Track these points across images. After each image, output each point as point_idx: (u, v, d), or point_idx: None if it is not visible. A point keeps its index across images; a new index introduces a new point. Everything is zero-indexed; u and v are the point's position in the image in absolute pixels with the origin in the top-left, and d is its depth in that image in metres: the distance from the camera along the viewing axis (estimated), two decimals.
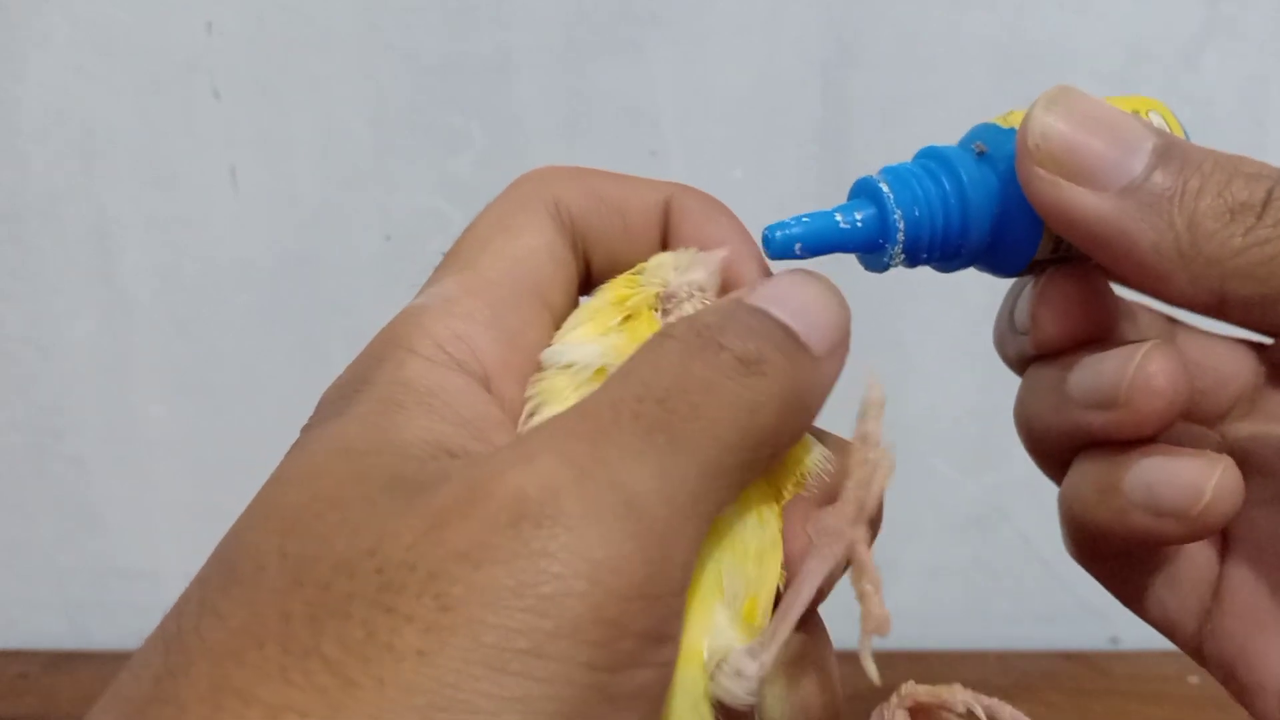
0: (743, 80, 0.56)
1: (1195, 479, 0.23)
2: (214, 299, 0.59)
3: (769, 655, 0.20)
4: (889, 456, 0.21)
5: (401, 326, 0.21)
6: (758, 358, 0.19)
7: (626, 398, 0.18)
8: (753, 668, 0.20)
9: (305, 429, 0.20)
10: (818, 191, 0.56)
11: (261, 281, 0.58)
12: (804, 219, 0.23)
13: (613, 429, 0.18)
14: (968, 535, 0.61)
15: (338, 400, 0.20)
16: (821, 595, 0.22)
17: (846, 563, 0.22)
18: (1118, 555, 0.26)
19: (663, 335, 0.20)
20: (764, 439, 0.19)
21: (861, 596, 0.21)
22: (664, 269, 0.24)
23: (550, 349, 0.23)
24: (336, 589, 0.16)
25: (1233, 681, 0.25)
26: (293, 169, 0.57)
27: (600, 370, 0.22)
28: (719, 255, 0.23)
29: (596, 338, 0.23)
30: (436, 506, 0.17)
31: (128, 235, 0.58)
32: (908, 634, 0.61)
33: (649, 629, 0.17)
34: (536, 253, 0.23)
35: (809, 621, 0.22)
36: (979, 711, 0.22)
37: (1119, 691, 0.55)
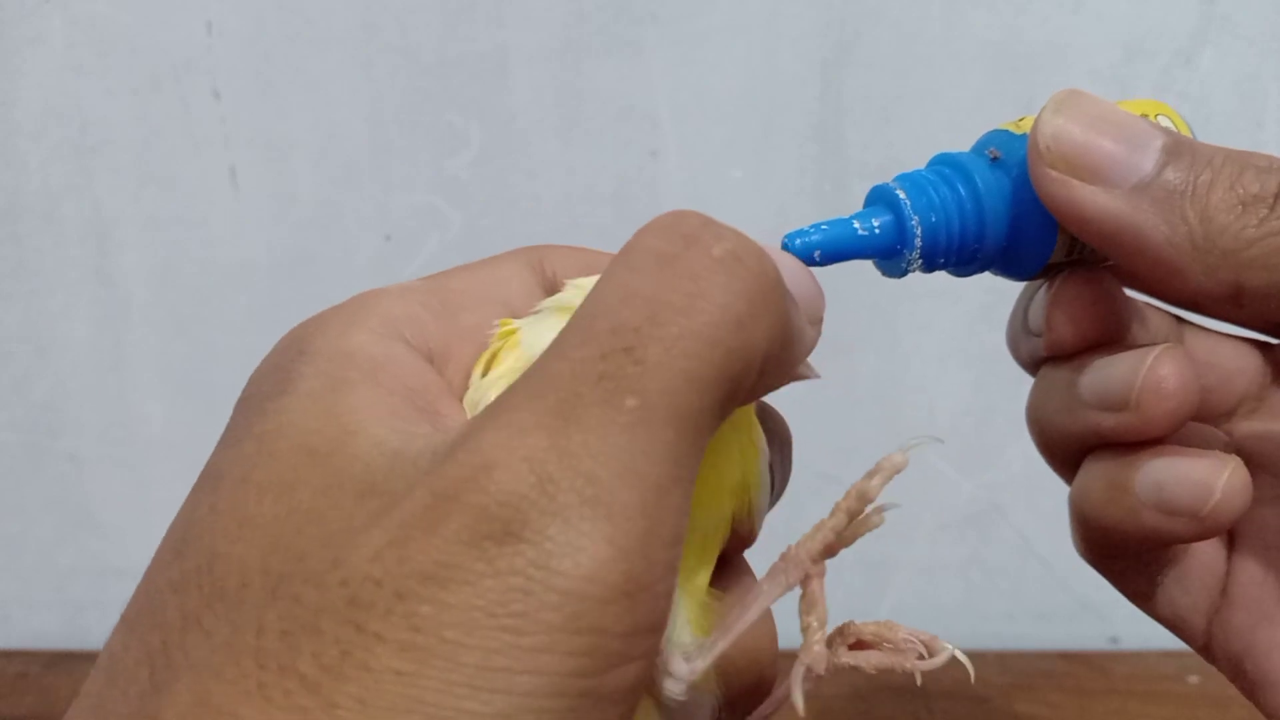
0: (742, 80, 0.56)
1: (1205, 478, 0.23)
2: (212, 298, 0.59)
3: (703, 663, 0.20)
4: (878, 519, 0.21)
5: (354, 301, 0.21)
6: (753, 253, 0.18)
7: (590, 356, 0.16)
8: (683, 670, 0.20)
9: (248, 404, 0.19)
10: (816, 190, 0.56)
11: (260, 281, 0.58)
12: (823, 226, 0.23)
13: (575, 406, 0.16)
14: (965, 534, 0.61)
15: (274, 372, 0.20)
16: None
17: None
18: (1127, 555, 0.26)
19: (636, 238, 0.18)
20: (745, 364, 0.17)
21: (805, 629, 0.21)
22: None
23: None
24: (306, 602, 0.16)
25: (1241, 677, 0.26)
26: (292, 169, 0.57)
27: None
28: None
29: None
30: (398, 519, 0.16)
31: (126, 234, 0.58)
32: None
33: (634, 625, 0.16)
34: (510, 280, 0.23)
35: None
36: (918, 646, 0.23)
37: (1119, 691, 0.55)
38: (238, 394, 0.21)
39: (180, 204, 0.58)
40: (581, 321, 0.17)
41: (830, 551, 0.21)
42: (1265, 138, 0.56)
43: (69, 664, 0.59)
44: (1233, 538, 0.26)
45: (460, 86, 0.56)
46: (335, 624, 0.15)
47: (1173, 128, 0.24)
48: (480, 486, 0.16)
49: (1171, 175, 0.21)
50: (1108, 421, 0.24)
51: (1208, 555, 0.26)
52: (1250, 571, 0.26)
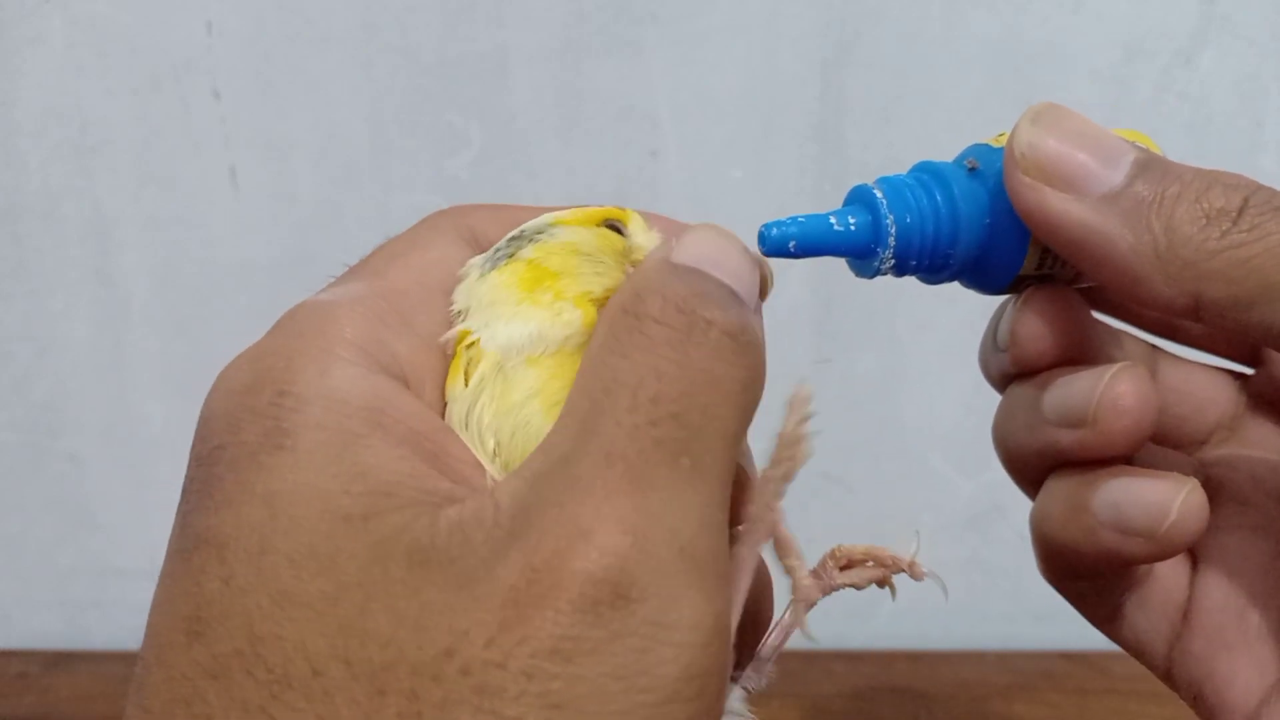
0: (742, 80, 0.56)
1: (1161, 499, 0.23)
2: (212, 298, 0.59)
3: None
4: (806, 453, 0.23)
5: (310, 322, 0.21)
6: (740, 327, 0.19)
7: (642, 423, 0.17)
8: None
9: (227, 456, 0.19)
10: (816, 190, 0.56)
11: (260, 281, 0.58)
12: (800, 219, 0.23)
13: (644, 468, 0.17)
14: (966, 534, 0.61)
15: (254, 420, 0.19)
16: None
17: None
18: (1088, 576, 0.27)
19: (637, 317, 0.19)
20: (751, 413, 0.19)
21: (790, 570, 0.23)
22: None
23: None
24: (427, 696, 0.16)
25: (1201, 704, 0.26)
26: (292, 169, 0.57)
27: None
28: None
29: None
30: (500, 597, 0.16)
31: (126, 234, 0.58)
32: (906, 634, 0.61)
33: (726, 658, 0.17)
34: (447, 261, 0.23)
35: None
36: (903, 562, 0.25)
37: (1119, 691, 0.55)
38: None
39: (180, 204, 0.58)
40: (619, 386, 0.18)
41: (779, 494, 0.23)
42: (1265, 138, 0.56)
43: (69, 664, 0.59)
44: (1196, 564, 0.27)
45: (460, 86, 0.56)
46: (470, 714, 0.16)
47: None
48: (582, 553, 0.16)
49: (1141, 187, 0.22)
50: (1067, 438, 0.24)
51: (1170, 580, 0.27)
52: (1212, 598, 0.26)
